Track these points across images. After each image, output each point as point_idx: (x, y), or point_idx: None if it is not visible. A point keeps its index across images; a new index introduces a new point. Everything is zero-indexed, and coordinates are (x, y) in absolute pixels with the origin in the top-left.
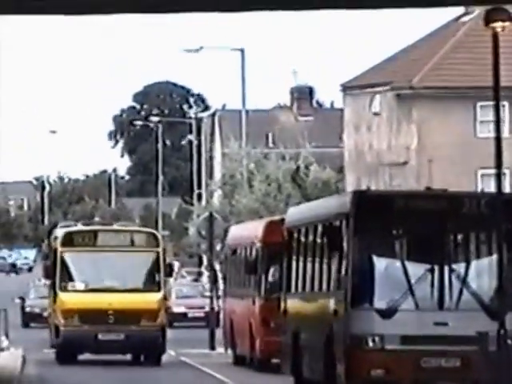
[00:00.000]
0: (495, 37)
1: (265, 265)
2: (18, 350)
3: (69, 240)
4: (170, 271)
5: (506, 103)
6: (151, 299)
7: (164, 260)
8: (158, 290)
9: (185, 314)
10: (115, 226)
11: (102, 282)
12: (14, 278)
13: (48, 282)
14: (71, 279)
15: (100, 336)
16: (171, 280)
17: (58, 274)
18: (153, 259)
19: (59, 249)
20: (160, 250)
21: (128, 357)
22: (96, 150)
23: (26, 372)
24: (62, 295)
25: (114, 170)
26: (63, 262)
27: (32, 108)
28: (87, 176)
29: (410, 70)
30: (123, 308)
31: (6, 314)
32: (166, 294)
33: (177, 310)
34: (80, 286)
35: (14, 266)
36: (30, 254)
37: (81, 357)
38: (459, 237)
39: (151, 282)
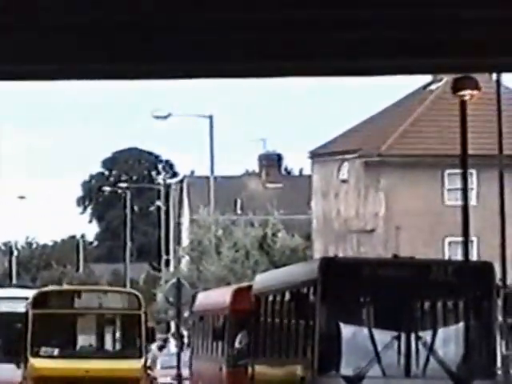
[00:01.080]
0: (463, 105)
1: (232, 331)
2: None
3: (41, 301)
4: (152, 336)
5: (473, 171)
6: (132, 366)
7: (146, 324)
8: (140, 357)
9: None
10: (92, 287)
11: (79, 346)
12: None
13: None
14: (44, 344)
15: None
16: (154, 348)
17: (28, 338)
18: (134, 322)
19: (30, 310)
20: (142, 312)
21: None
22: (64, 216)
23: None
24: (33, 361)
25: (82, 236)
26: (35, 325)
27: (0, 173)
28: (55, 242)
29: (377, 138)
30: (102, 376)
31: None
32: (148, 361)
33: (163, 380)
34: (53, 351)
35: None
36: None
37: None
38: (426, 304)
39: (132, 348)
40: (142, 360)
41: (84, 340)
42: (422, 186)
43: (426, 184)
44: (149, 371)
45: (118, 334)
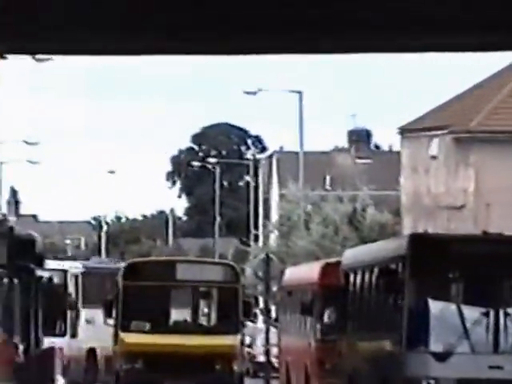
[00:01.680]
0: None
1: (320, 307)
2: None
3: (133, 272)
4: (248, 310)
5: None
6: (228, 342)
7: (242, 297)
8: (236, 332)
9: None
10: (187, 258)
11: (172, 321)
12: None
13: (110, 321)
14: (135, 318)
15: (166, 383)
16: (254, 325)
17: (119, 312)
18: (231, 296)
19: (121, 282)
20: (239, 285)
21: None
22: (154, 191)
23: None
24: (123, 336)
25: (172, 211)
26: (126, 298)
27: (91, 147)
28: (145, 216)
29: (467, 114)
30: (195, 352)
31: (62, 352)
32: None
33: (263, 359)
34: (145, 325)
35: None
36: None
37: None
38: None
39: (228, 323)
40: (238, 336)
41: (178, 314)
42: None
43: None
44: (248, 349)
45: (213, 308)
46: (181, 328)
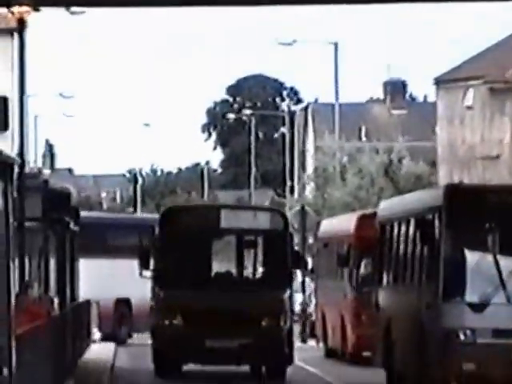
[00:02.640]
0: None
1: (357, 258)
2: (109, 342)
3: (172, 219)
4: (298, 261)
5: None
6: (276, 296)
7: (292, 247)
8: (285, 285)
9: None
10: (231, 204)
11: (214, 273)
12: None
13: (147, 273)
14: (174, 270)
15: (208, 342)
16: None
17: (156, 263)
18: (279, 245)
19: (158, 231)
20: (288, 234)
21: (244, 368)
22: (189, 143)
23: (117, 365)
24: (161, 289)
25: (207, 163)
26: (164, 248)
27: (126, 101)
28: (180, 169)
29: (503, 64)
30: (239, 309)
31: (98, 306)
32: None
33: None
34: (185, 278)
35: None
36: None
37: (185, 367)
38: None
39: (277, 275)
40: (288, 289)
41: (221, 266)
42: None
43: None
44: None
45: (260, 259)
46: (224, 281)
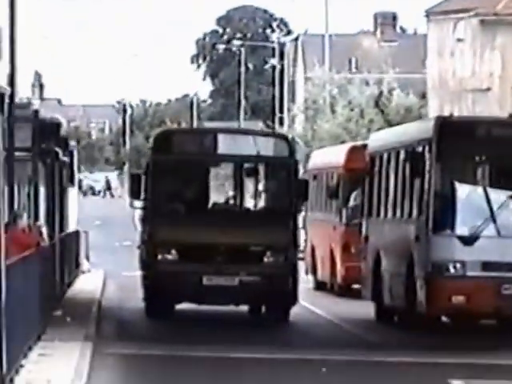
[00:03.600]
0: None
1: (346, 190)
2: (98, 272)
3: (166, 144)
4: (304, 191)
5: None
6: (280, 230)
7: (297, 176)
8: (290, 218)
9: None
10: (230, 128)
11: (211, 204)
12: (93, 200)
13: (138, 204)
14: (168, 199)
15: (206, 280)
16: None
17: (149, 192)
18: (283, 173)
19: (152, 155)
20: (293, 161)
21: (242, 309)
22: (178, 75)
23: (106, 295)
24: (154, 221)
25: (196, 94)
26: (157, 175)
27: (115, 32)
28: (169, 100)
29: None
30: (240, 242)
31: (87, 237)
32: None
33: None
34: (180, 209)
35: (90, 187)
36: (111, 176)
37: (179, 306)
38: None
39: (280, 207)
40: (293, 223)
41: (219, 196)
42: None
43: None
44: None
45: (262, 188)
46: (223, 213)
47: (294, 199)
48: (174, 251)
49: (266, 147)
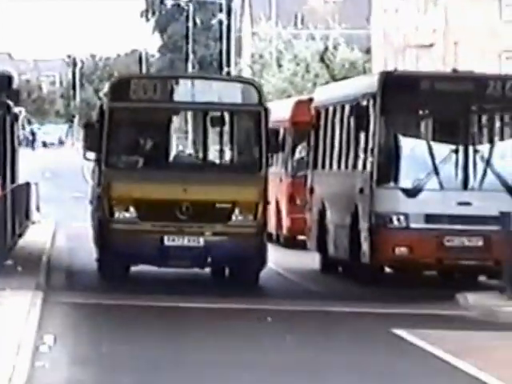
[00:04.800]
0: None
1: (292, 143)
2: (48, 223)
3: (124, 90)
4: (276, 144)
5: None
6: (248, 185)
7: (267, 125)
8: (259, 171)
9: None
10: (193, 74)
11: (173, 157)
12: (44, 152)
13: (92, 157)
14: (125, 152)
15: (167, 240)
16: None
17: (104, 142)
18: (252, 123)
19: (108, 103)
20: (263, 109)
21: (206, 271)
22: (127, 29)
23: (56, 246)
24: (110, 174)
25: (145, 49)
26: (114, 124)
27: None
28: (119, 54)
29: None
30: (205, 198)
31: (37, 188)
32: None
33: None
34: (138, 161)
35: (41, 140)
36: (62, 129)
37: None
38: (484, 118)
39: (249, 158)
40: (262, 176)
41: (180, 148)
42: (481, 1)
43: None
44: None
45: (227, 139)
46: (186, 167)
47: (263, 151)
48: (131, 208)
49: (233, 94)
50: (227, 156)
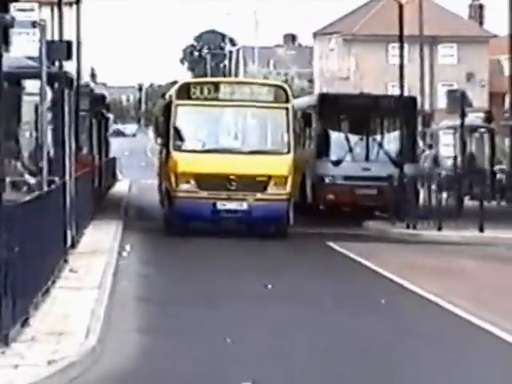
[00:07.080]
0: (401, 8)
1: None
2: (127, 180)
3: (186, 92)
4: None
5: (406, 45)
6: (280, 163)
7: (293, 119)
8: (288, 153)
9: None
10: (236, 79)
11: (224, 141)
12: (124, 140)
13: (159, 141)
14: (187, 138)
15: (219, 205)
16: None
17: (171, 131)
18: (281, 117)
19: (174, 101)
20: (290, 106)
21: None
22: (171, 68)
23: (131, 194)
24: (176, 156)
25: (182, 79)
26: (178, 117)
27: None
28: (167, 83)
29: (353, 22)
30: (247, 173)
31: (120, 161)
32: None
33: None
34: (197, 145)
35: (122, 132)
36: (134, 127)
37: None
38: (377, 121)
39: (280, 144)
40: (290, 157)
41: (230, 135)
42: (375, 53)
43: (378, 52)
44: None
45: (265, 129)
46: (232, 149)
47: (291, 138)
48: (192, 181)
49: (267, 94)
50: (263, 141)
